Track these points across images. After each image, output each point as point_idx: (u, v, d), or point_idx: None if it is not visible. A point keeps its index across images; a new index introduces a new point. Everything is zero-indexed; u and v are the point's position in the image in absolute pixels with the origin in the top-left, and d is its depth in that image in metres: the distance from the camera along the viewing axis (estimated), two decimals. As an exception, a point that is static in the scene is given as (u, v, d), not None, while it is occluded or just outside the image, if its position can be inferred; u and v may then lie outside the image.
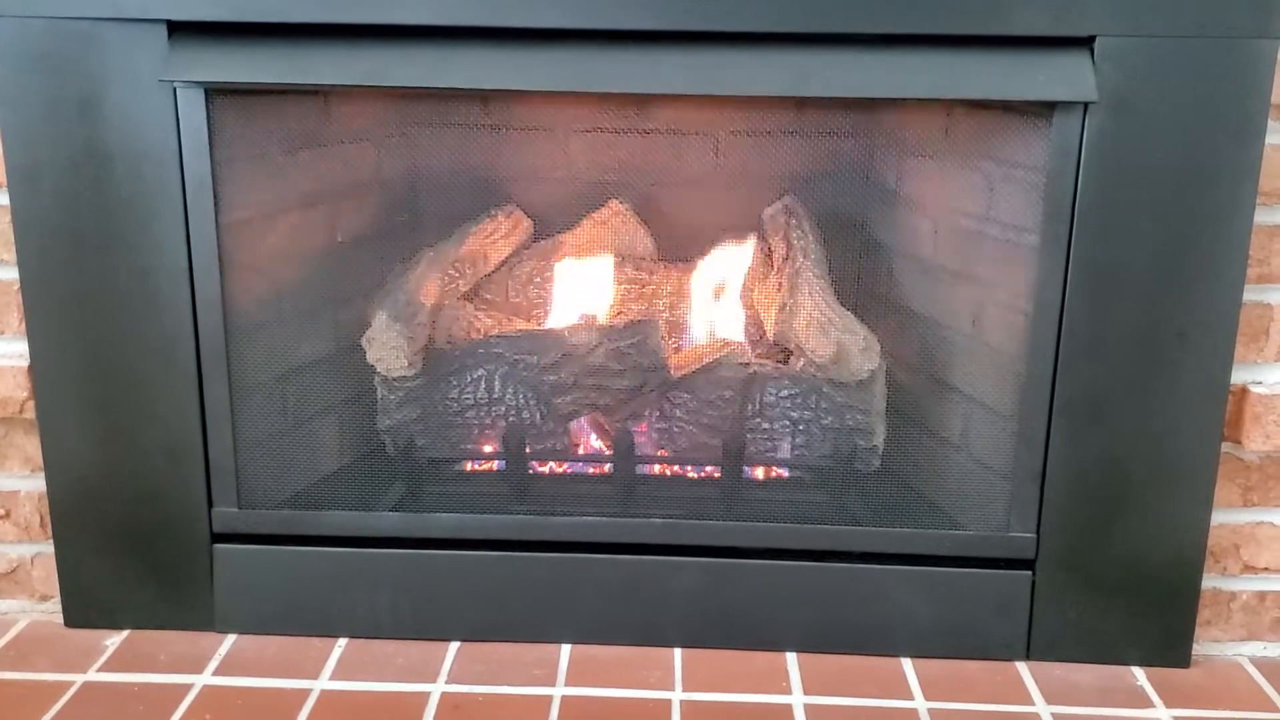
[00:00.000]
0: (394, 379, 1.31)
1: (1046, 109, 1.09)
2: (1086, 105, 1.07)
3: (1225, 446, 1.19)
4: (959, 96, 1.10)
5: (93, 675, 1.18)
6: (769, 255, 1.40)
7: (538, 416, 1.33)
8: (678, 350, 1.38)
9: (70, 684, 1.16)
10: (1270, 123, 1.09)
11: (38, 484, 1.26)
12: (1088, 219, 1.10)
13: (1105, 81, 1.06)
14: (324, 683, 1.17)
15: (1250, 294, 1.15)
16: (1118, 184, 1.09)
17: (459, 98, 1.35)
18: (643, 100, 1.35)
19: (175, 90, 1.10)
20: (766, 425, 1.32)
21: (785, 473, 1.35)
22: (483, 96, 1.38)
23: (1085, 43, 1.07)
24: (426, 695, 1.15)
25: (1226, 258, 1.11)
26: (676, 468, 1.36)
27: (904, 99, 1.16)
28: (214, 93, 1.11)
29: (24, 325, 1.18)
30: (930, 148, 1.30)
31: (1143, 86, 1.07)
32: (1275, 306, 1.17)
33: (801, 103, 1.29)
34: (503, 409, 1.32)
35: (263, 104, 1.20)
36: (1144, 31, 1.05)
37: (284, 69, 1.09)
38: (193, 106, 1.11)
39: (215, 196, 1.13)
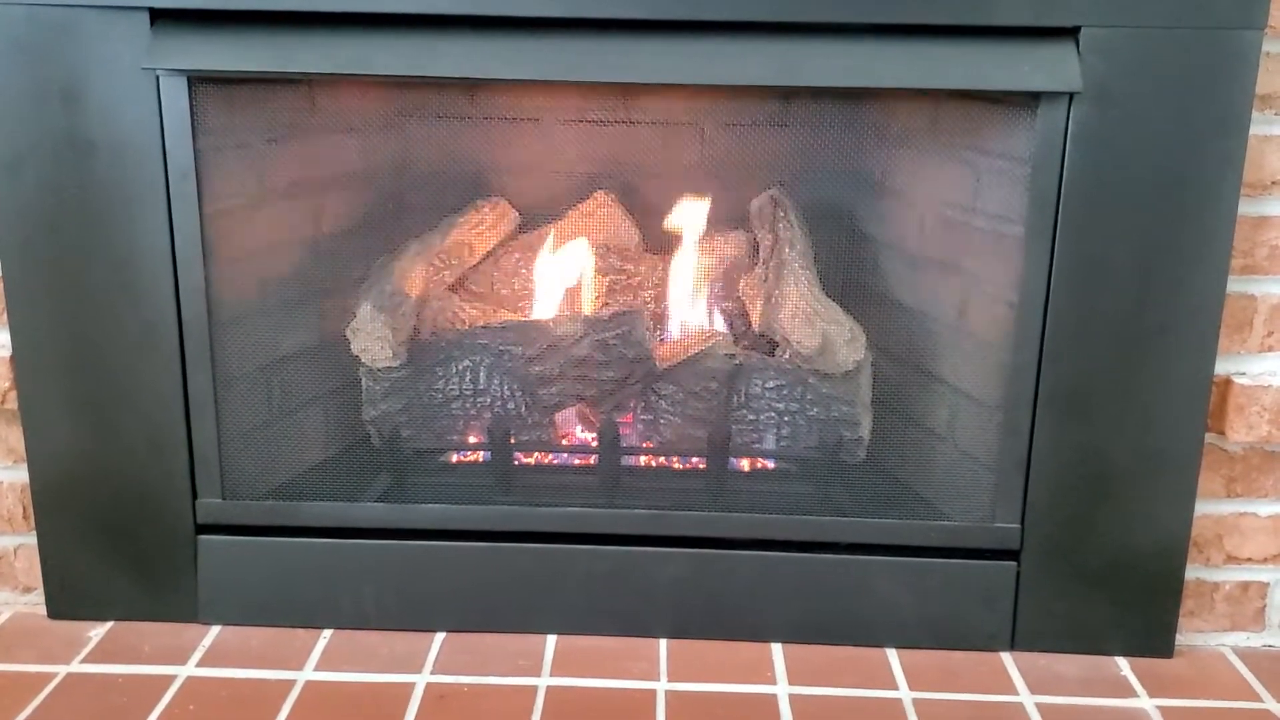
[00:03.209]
0: (379, 370, 1.30)
1: (1031, 99, 1.09)
2: (1071, 96, 1.07)
3: (1209, 437, 1.19)
4: (944, 87, 1.10)
5: (76, 666, 1.17)
6: (755, 246, 1.40)
7: (523, 408, 1.32)
8: (663, 341, 1.38)
9: (53, 675, 1.15)
10: (1254, 113, 1.10)
11: (20, 475, 1.25)
12: (1073, 210, 1.10)
13: (1090, 72, 1.06)
14: (308, 674, 1.16)
15: (1234, 285, 1.16)
16: (1103, 175, 1.09)
17: (444, 88, 1.34)
18: (629, 91, 1.35)
19: (158, 78, 1.10)
20: (752, 416, 1.32)
21: (771, 464, 1.36)
22: (468, 87, 1.37)
23: (1070, 33, 1.07)
24: (412, 686, 1.14)
25: (1211, 249, 1.11)
26: (662, 459, 1.36)
27: (889, 89, 1.15)
28: (197, 81, 1.11)
29: (6, 315, 1.18)
30: (916, 139, 1.30)
31: (1127, 77, 1.07)
32: (1259, 298, 1.18)
33: (788, 93, 1.29)
34: (488, 400, 1.32)
35: (246, 93, 1.19)
36: (1128, 22, 1.06)
37: (267, 57, 1.09)
38: (175, 95, 1.10)
39: (198, 185, 1.13)
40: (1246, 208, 1.14)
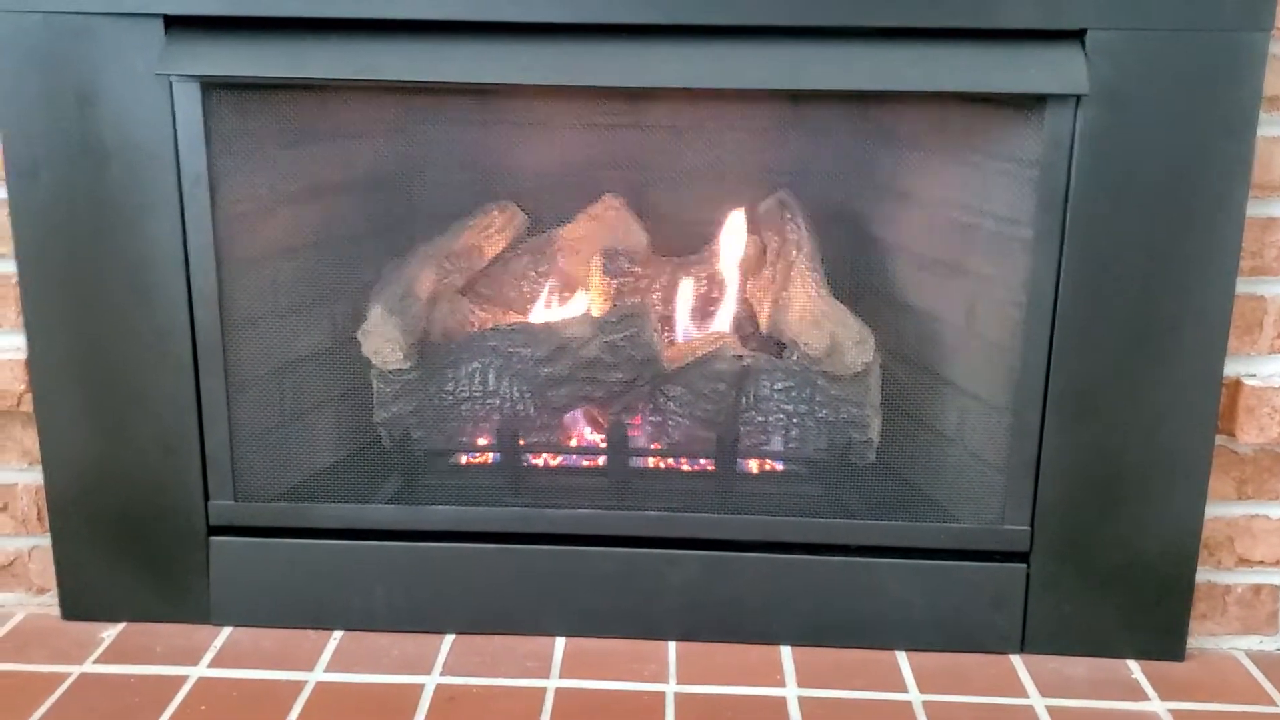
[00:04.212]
0: (389, 372, 1.31)
1: (1039, 102, 1.09)
2: (1078, 98, 1.07)
3: (1219, 439, 1.19)
4: (951, 89, 1.10)
5: (89, 667, 1.18)
6: (763, 249, 1.41)
7: (532, 409, 1.33)
8: (672, 344, 1.38)
9: (67, 675, 1.16)
10: (1262, 115, 1.09)
11: (35, 477, 1.26)
12: (1081, 211, 1.10)
13: (1097, 74, 1.06)
14: (319, 674, 1.17)
15: (1244, 286, 1.15)
16: (1110, 176, 1.09)
17: (454, 93, 1.36)
18: (637, 94, 1.35)
19: (171, 84, 1.11)
20: (761, 418, 1.32)
21: (780, 466, 1.36)
22: (478, 91, 1.38)
23: (1076, 35, 1.07)
24: (421, 687, 1.15)
25: (1220, 250, 1.11)
26: (671, 460, 1.36)
27: (897, 92, 1.16)
28: (210, 87, 1.12)
29: (21, 318, 1.19)
30: (924, 141, 1.30)
31: (1135, 79, 1.07)
32: (1269, 299, 1.17)
33: (796, 97, 1.30)
34: (497, 402, 1.33)
35: (259, 99, 1.20)
36: (1135, 24, 1.06)
37: (279, 63, 1.10)
38: (189, 100, 1.12)
39: (211, 190, 1.14)
40: (1255, 209, 1.14)
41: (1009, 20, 1.06)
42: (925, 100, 1.27)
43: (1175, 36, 1.06)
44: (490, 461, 1.36)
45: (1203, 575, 1.24)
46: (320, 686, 1.15)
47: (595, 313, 1.38)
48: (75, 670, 1.17)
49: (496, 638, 1.24)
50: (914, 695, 1.15)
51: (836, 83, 1.09)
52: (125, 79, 1.11)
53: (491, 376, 1.32)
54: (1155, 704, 1.15)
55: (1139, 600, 1.20)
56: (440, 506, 1.24)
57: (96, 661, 1.19)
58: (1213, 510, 1.21)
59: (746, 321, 1.41)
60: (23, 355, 1.21)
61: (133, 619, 1.26)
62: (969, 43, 1.07)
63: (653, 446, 1.34)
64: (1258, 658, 1.25)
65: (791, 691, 1.15)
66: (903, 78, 1.08)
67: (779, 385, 1.31)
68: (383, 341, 1.28)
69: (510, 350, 1.32)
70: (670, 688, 1.15)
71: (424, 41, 1.09)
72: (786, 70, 1.09)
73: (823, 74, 1.09)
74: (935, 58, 1.07)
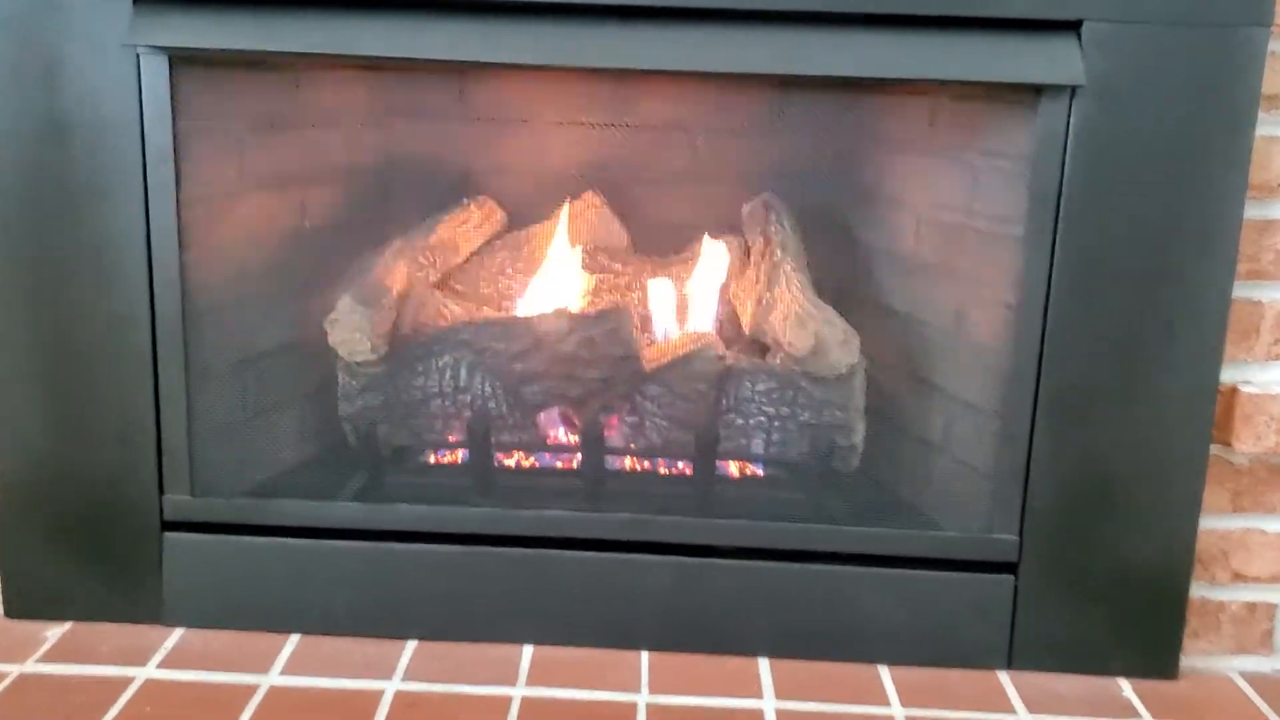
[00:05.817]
0: (357, 364, 1.27)
1: (1032, 95, 1.06)
2: (1073, 90, 1.04)
3: (1214, 448, 1.15)
4: (945, 78, 1.07)
5: (30, 666, 1.12)
6: (747, 248, 1.37)
7: (505, 407, 1.28)
8: (651, 343, 1.34)
9: (5, 675, 1.11)
10: (1261, 114, 1.07)
11: (-18, 466, 1.21)
12: (1073, 209, 1.07)
13: (1092, 67, 1.04)
14: (274, 678, 1.12)
15: (1240, 290, 1.12)
16: (1104, 174, 1.06)
17: (433, 81, 1.32)
18: (622, 86, 1.33)
19: (138, 57, 1.07)
20: (741, 420, 1.28)
21: (760, 470, 1.32)
22: (458, 82, 1.36)
23: (1073, 27, 1.04)
24: (380, 692, 1.10)
25: (1216, 252, 1.08)
26: (647, 462, 1.32)
27: (888, 79, 1.13)
28: (179, 62, 1.09)
29: (-27, 299, 1.14)
30: (914, 139, 1.28)
31: (1131, 74, 1.04)
32: (1266, 304, 1.14)
33: (783, 90, 1.27)
34: (469, 398, 1.28)
35: (229, 77, 1.17)
36: (1132, 17, 1.03)
37: (250, 35, 1.07)
38: (156, 74, 1.08)
39: (177, 170, 1.10)
40: (1252, 211, 1.11)
41: (1005, 9, 1.03)
42: (915, 92, 1.25)
43: (1172, 30, 1.03)
44: (459, 460, 1.31)
45: (1196, 591, 1.20)
46: (274, 690, 1.09)
47: (573, 309, 1.34)
48: (15, 670, 1.12)
49: (461, 643, 1.19)
50: (896, 710, 1.10)
51: (828, 69, 1.06)
52: (92, 50, 1.07)
53: (463, 372, 1.28)
54: (1147, 724, 1.11)
55: (1130, 615, 1.16)
56: (406, 505, 1.19)
57: (39, 661, 1.13)
58: (1207, 523, 1.18)
59: (729, 322, 1.38)
60: (-27, 338, 1.16)
61: (80, 618, 1.20)
62: (963, 32, 1.05)
63: (629, 447, 1.30)
64: (1253, 679, 1.21)
65: (769, 704, 1.10)
66: (895, 65, 1.05)
67: (761, 387, 1.27)
68: (350, 332, 1.23)
69: (483, 345, 1.27)
70: (642, 698, 1.11)
71: (403, 18, 1.06)
72: (777, 56, 1.06)
73: (814, 60, 1.06)
74: (929, 46, 1.05)
